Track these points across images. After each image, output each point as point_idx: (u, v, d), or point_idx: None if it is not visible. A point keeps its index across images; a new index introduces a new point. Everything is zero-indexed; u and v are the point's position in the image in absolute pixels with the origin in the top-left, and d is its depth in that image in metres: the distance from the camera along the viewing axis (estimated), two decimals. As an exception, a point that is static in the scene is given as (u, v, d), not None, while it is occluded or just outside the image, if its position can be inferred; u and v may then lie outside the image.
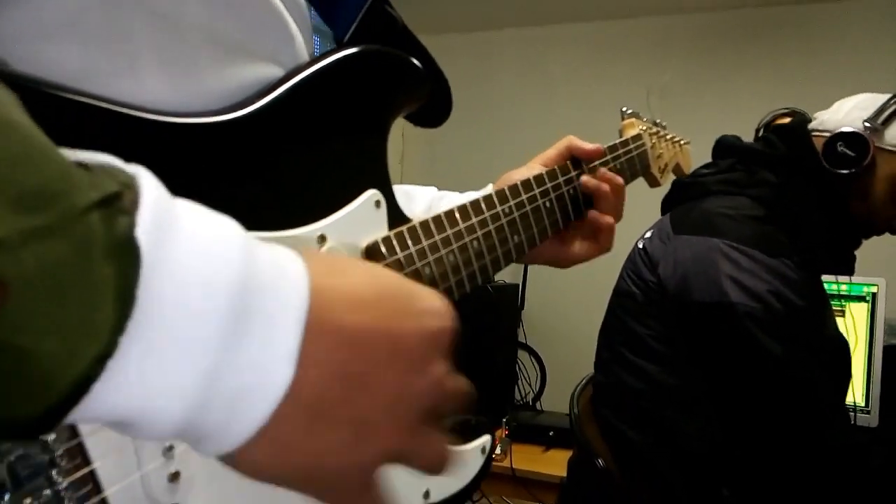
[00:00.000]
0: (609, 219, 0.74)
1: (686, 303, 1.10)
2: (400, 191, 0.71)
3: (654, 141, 0.92)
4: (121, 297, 0.24)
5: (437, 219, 0.56)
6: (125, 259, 0.24)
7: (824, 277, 1.24)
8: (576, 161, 0.76)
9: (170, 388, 0.25)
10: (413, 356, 0.33)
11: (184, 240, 0.26)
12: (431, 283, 0.53)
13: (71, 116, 0.34)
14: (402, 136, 3.16)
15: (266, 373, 0.27)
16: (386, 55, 0.53)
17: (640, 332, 1.18)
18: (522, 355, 2.67)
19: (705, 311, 1.08)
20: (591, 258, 0.77)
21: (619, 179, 0.77)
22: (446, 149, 3.01)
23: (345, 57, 0.49)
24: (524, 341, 2.69)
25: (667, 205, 1.34)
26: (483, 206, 0.61)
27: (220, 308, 0.26)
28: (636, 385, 1.16)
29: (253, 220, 0.42)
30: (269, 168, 0.44)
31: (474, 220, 0.59)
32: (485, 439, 0.59)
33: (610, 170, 0.78)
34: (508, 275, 2.68)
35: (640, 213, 1.52)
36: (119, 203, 0.24)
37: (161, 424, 0.26)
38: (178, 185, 0.39)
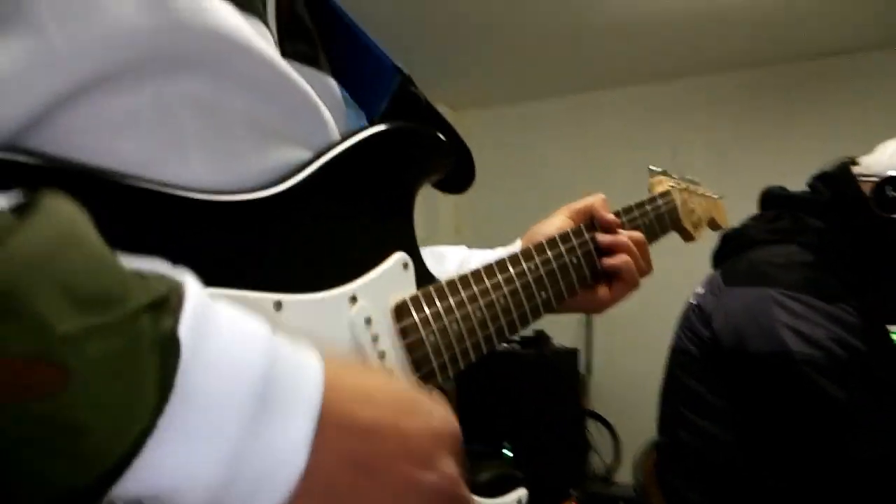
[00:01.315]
0: (623, 256, 0.75)
1: (742, 354, 1.08)
2: (433, 252, 0.75)
3: (684, 197, 0.93)
4: (162, 384, 0.28)
5: (463, 278, 0.59)
6: (168, 351, 0.28)
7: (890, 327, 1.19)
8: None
9: (199, 466, 0.29)
10: (421, 451, 0.35)
11: (218, 338, 0.30)
12: (459, 338, 0.56)
13: (129, 199, 0.40)
14: (454, 206, 3.24)
15: (283, 458, 0.31)
16: (410, 131, 0.58)
17: (698, 389, 1.15)
18: (593, 425, 2.60)
19: (763, 361, 1.05)
20: (620, 300, 0.77)
21: (639, 235, 0.78)
22: (498, 213, 3.06)
23: (372, 134, 0.55)
24: (592, 409, 2.62)
25: (717, 258, 1.33)
26: (509, 264, 0.64)
27: (245, 398, 0.30)
28: (695, 443, 1.13)
29: (289, 283, 0.47)
30: (305, 236, 0.49)
31: (500, 277, 0.62)
32: (521, 492, 0.59)
33: (638, 225, 0.80)
34: (568, 339, 2.66)
35: (693, 270, 1.51)
36: (166, 305, 0.29)
37: (188, 501, 0.29)
38: (224, 255, 0.44)
